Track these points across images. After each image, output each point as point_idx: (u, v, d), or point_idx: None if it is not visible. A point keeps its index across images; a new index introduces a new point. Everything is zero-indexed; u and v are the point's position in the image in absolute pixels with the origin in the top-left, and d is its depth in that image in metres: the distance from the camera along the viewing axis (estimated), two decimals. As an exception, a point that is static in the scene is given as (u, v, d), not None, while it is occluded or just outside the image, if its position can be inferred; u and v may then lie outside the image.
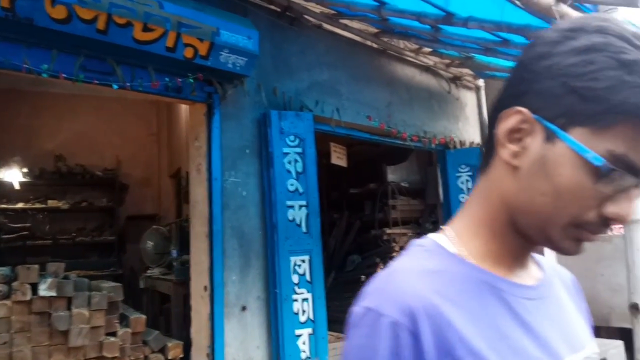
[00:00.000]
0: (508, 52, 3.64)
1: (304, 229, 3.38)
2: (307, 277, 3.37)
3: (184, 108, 5.50)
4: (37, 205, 6.82)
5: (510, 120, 0.61)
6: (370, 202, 5.95)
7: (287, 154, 3.40)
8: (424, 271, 0.60)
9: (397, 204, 5.58)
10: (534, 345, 0.60)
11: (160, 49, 2.69)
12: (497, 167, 0.65)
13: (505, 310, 0.61)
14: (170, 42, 2.69)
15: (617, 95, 0.53)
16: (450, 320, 0.56)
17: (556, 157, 0.57)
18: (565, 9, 2.52)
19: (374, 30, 4.17)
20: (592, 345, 0.70)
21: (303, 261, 3.36)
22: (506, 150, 0.62)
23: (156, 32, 2.63)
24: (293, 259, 3.32)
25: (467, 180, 4.76)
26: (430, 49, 4.55)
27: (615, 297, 4.46)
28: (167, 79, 2.85)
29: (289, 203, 3.34)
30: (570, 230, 0.59)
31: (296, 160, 3.42)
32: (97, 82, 2.69)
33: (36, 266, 2.92)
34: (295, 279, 3.31)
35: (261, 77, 3.43)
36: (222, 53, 2.89)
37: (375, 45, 4.30)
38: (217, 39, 2.83)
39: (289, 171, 3.38)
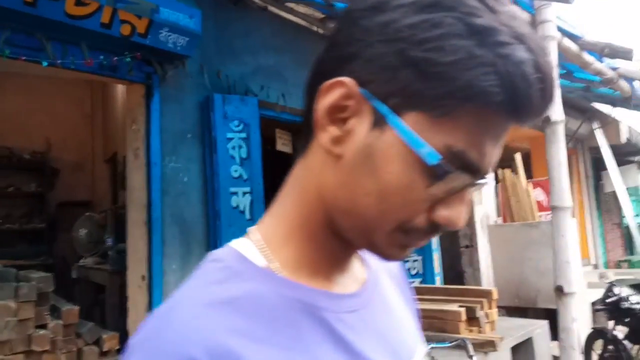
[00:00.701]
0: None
1: (247, 216, 3.33)
2: (250, 264, 3.33)
3: (120, 88, 5.26)
4: (-43, 190, 6.34)
5: (331, 94, 0.47)
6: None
7: (231, 139, 3.33)
8: (215, 302, 0.45)
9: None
10: None
11: (95, 25, 2.54)
12: (315, 153, 0.52)
13: (325, 334, 0.49)
14: (105, 17, 2.55)
15: (463, 75, 0.42)
16: None
17: (385, 149, 0.46)
18: (502, 1, 2.60)
19: (320, 15, 4.15)
20: (421, 348, 0.63)
21: (246, 248, 3.32)
22: (326, 134, 0.48)
23: (90, 7, 2.48)
24: (236, 246, 3.27)
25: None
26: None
27: (541, 280, 4.76)
28: (101, 57, 2.70)
29: (233, 190, 3.28)
30: (397, 235, 0.49)
31: (240, 146, 3.36)
32: (25, 58, 2.50)
33: (-44, 256, 2.71)
34: (238, 266, 3.27)
35: (204, 59, 3.33)
36: (161, 31, 2.77)
37: (321, 31, 4.28)
38: (156, 16, 2.70)
39: (232, 157, 3.32)
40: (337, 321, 0.50)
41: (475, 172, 0.46)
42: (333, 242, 0.53)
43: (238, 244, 0.53)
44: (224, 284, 0.48)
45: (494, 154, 0.47)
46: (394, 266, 0.70)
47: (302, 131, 0.54)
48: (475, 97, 0.42)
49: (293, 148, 4.26)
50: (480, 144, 0.45)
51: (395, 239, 0.49)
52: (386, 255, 0.52)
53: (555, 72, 0.46)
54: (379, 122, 0.46)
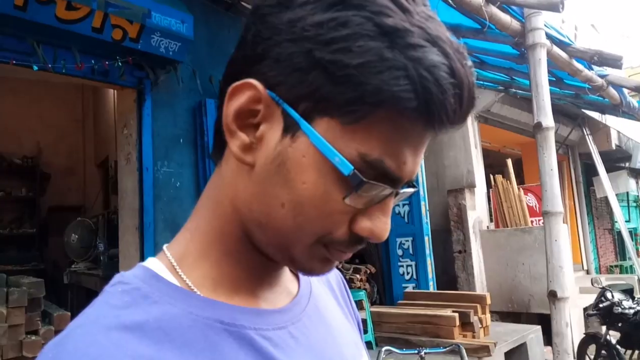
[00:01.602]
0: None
1: (239, 220, 3.33)
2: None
3: (111, 93, 5.23)
4: (-54, 195, 6.27)
5: (239, 97, 0.44)
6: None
7: (223, 144, 3.32)
8: (118, 327, 0.40)
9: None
10: None
11: (86, 30, 2.52)
12: (228, 162, 0.48)
13: (249, 355, 0.45)
14: (96, 22, 2.54)
15: (373, 79, 0.39)
16: None
17: (297, 158, 0.42)
18: (494, 10, 2.62)
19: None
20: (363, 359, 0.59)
21: (238, 253, 3.31)
22: (235, 141, 0.45)
23: (81, 11, 2.47)
24: (228, 251, 3.26)
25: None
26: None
27: (535, 285, 4.77)
28: (93, 62, 2.69)
29: (225, 194, 3.27)
30: (317, 249, 0.45)
31: (232, 151, 3.36)
32: (15, 62, 2.49)
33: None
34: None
35: (196, 64, 3.32)
36: (153, 36, 2.76)
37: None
38: (148, 21, 2.70)
39: (224, 162, 3.31)
40: (263, 339, 0.46)
41: (394, 181, 0.43)
42: (254, 256, 0.49)
43: (152, 263, 0.48)
44: (129, 307, 0.42)
45: (414, 162, 0.44)
46: (333, 275, 0.66)
47: (215, 139, 0.50)
48: (386, 102, 0.39)
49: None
50: (398, 152, 0.42)
51: (315, 253, 0.46)
52: (308, 270, 0.48)
53: (473, 78, 0.42)
54: (290, 128, 0.42)
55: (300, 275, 0.58)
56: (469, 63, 0.42)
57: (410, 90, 0.39)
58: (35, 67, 2.53)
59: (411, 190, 0.47)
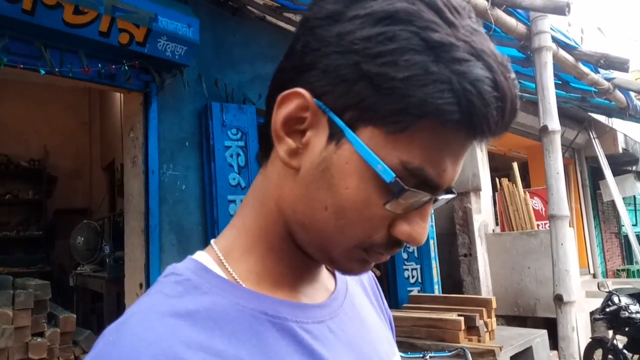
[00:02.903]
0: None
1: (244, 223, 3.33)
2: (248, 272, 3.32)
3: (118, 96, 5.26)
4: (-46, 198, 6.32)
5: (288, 105, 0.46)
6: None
7: (229, 147, 3.33)
8: (172, 314, 0.43)
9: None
10: None
11: (93, 34, 2.54)
12: (274, 165, 0.51)
13: (292, 346, 0.47)
14: (103, 26, 2.55)
15: (418, 92, 0.41)
16: None
17: (341, 164, 0.44)
18: (499, 13, 2.62)
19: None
20: (395, 359, 0.61)
21: (243, 256, 3.31)
22: (283, 146, 0.47)
23: (88, 16, 2.49)
24: (233, 254, 3.26)
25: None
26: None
27: (541, 288, 4.75)
28: (100, 65, 2.70)
29: (231, 198, 3.27)
30: (356, 251, 0.48)
31: (238, 154, 3.36)
32: (23, 66, 2.50)
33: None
34: (235, 274, 3.26)
35: (202, 68, 3.34)
36: (160, 40, 2.78)
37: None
38: (155, 25, 2.71)
39: (231, 165, 3.32)
40: (304, 332, 0.49)
41: (434, 188, 0.45)
42: (295, 254, 0.51)
43: (200, 256, 0.52)
44: (182, 297, 0.45)
45: (454, 170, 0.46)
46: (366, 277, 0.68)
47: (262, 142, 0.53)
48: (430, 114, 0.41)
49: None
50: (438, 161, 0.44)
51: (354, 255, 0.48)
52: (346, 271, 0.51)
53: (515, 91, 0.43)
54: (335, 135, 0.45)
55: (337, 274, 0.60)
56: (512, 76, 0.44)
57: (454, 103, 0.41)
58: (43, 71, 2.54)
59: (450, 196, 0.49)
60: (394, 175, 0.43)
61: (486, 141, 0.46)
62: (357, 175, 0.44)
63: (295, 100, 0.46)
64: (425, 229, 0.47)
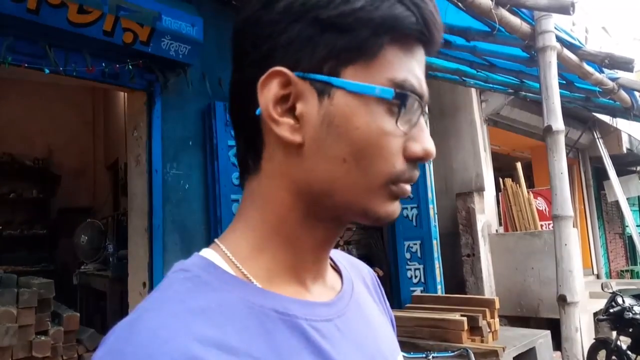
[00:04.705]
0: (450, 53, 3.74)
1: (248, 223, 3.33)
2: (251, 271, 3.33)
3: (122, 95, 5.28)
4: (-41, 196, 6.34)
5: (270, 87, 0.48)
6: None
7: (232, 146, 3.33)
8: (184, 312, 0.43)
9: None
10: None
11: (97, 33, 2.55)
12: (273, 159, 0.51)
13: (301, 343, 0.48)
14: (107, 25, 2.56)
15: (376, 13, 0.46)
16: None
17: (342, 110, 0.47)
18: (504, 12, 2.61)
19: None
20: (399, 358, 0.62)
21: (246, 256, 3.32)
22: (283, 127, 0.48)
23: (92, 15, 2.49)
24: (236, 253, 3.27)
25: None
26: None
27: (544, 289, 4.73)
28: (103, 65, 2.71)
29: (234, 197, 3.28)
30: (386, 190, 0.49)
31: (241, 153, 3.37)
32: (27, 65, 2.51)
33: (-44, 262, 2.71)
34: (238, 273, 3.26)
35: (206, 67, 3.34)
36: (163, 39, 2.78)
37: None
38: (158, 24, 2.72)
39: (234, 164, 3.32)
40: (313, 330, 0.49)
41: (420, 96, 0.49)
42: (309, 239, 0.52)
43: (206, 253, 0.52)
44: (192, 293, 0.46)
45: (424, 81, 0.51)
46: (367, 272, 0.70)
47: (247, 154, 0.54)
48: (393, 28, 0.47)
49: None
50: (413, 71, 0.49)
51: (385, 193, 0.50)
52: (383, 217, 0.51)
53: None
54: (324, 91, 0.47)
55: (343, 273, 0.61)
56: None
57: (407, 10, 0.47)
58: (47, 70, 2.55)
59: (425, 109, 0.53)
60: (393, 90, 0.47)
61: (435, 44, 0.51)
62: (361, 112, 0.47)
63: (275, 79, 0.48)
64: (430, 138, 0.51)
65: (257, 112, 0.49)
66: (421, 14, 0.48)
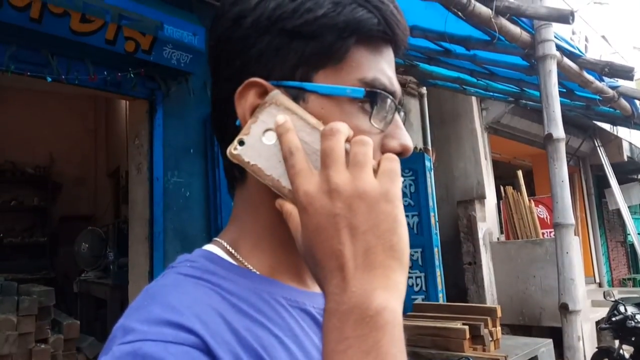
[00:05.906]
0: (450, 62, 3.76)
1: (248, 231, 3.33)
2: (251, 279, 3.32)
3: (123, 103, 5.29)
4: (-40, 204, 6.35)
5: (247, 97, 0.49)
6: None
7: (232, 154, 3.34)
8: (200, 285, 0.46)
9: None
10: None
11: (99, 42, 2.56)
12: None
13: (312, 328, 0.50)
14: (110, 34, 2.58)
15: (339, 17, 0.48)
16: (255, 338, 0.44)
17: (318, 113, 0.48)
18: (503, 21, 2.63)
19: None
20: None
21: (247, 264, 3.31)
22: None
23: (95, 24, 2.51)
24: (237, 261, 3.26)
25: (410, 185, 4.88)
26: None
27: (546, 297, 4.71)
28: (105, 73, 2.72)
29: (234, 204, 3.28)
30: None
31: (242, 161, 3.37)
32: (30, 73, 2.53)
33: (-44, 270, 2.71)
34: (239, 281, 3.26)
35: (207, 76, 3.32)
36: (165, 48, 2.80)
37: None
38: (160, 33, 2.73)
39: (234, 172, 3.33)
40: (321, 317, 0.48)
41: (392, 94, 0.51)
42: None
43: (209, 247, 0.54)
44: (202, 278, 0.47)
45: (395, 80, 0.52)
46: None
47: (229, 172, 0.57)
48: (357, 30, 0.48)
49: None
50: (382, 69, 0.51)
51: None
52: None
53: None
54: (298, 96, 0.49)
55: None
56: None
57: (369, 13, 0.49)
58: (49, 79, 2.57)
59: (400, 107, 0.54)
60: (363, 89, 0.48)
61: (402, 42, 0.53)
62: (335, 113, 0.48)
63: (251, 90, 0.49)
64: (407, 133, 0.52)
65: (237, 123, 0.50)
66: (382, 15, 0.50)
